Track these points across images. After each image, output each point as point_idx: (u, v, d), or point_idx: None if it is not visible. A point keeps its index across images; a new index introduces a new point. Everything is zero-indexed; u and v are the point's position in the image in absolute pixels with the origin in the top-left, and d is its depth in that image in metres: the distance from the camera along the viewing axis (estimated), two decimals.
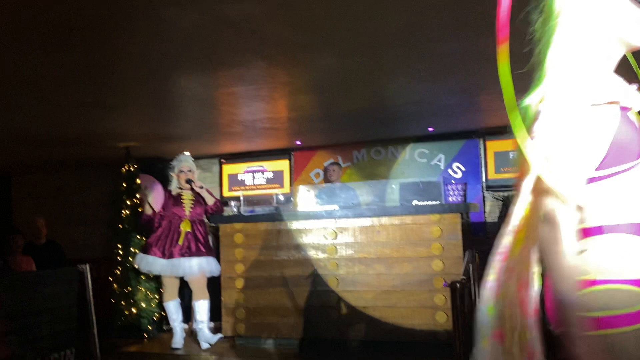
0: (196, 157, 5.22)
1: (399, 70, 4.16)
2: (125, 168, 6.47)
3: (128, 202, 6.30)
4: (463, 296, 2.19)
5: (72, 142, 6.45)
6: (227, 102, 4.90)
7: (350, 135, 7.04)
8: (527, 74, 1.40)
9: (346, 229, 4.58)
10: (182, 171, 5.07)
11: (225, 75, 4.04)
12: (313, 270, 4.62)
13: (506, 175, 6.81)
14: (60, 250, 6.24)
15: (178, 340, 4.97)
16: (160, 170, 7.60)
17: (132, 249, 6.04)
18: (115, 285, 6.09)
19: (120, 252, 6.16)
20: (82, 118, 5.29)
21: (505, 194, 6.84)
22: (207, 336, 4.85)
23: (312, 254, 4.65)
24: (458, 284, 2.13)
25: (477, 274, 3.75)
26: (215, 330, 5.51)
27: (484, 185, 6.95)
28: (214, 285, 5.12)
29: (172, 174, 5.17)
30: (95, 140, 6.38)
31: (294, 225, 4.74)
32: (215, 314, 5.33)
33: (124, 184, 6.40)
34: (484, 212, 6.92)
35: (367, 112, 5.63)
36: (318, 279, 4.61)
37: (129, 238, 6.11)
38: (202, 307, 4.90)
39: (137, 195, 6.37)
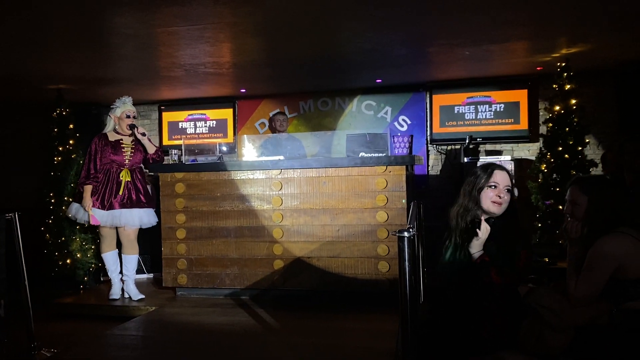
0: (134, 103, 4.91)
1: (351, 14, 4.02)
2: (56, 112, 6.08)
3: (60, 149, 5.96)
4: (411, 246, 2.18)
5: None
6: (167, 43, 4.62)
7: (297, 85, 6.88)
8: None
9: (292, 180, 4.51)
10: (127, 116, 4.75)
11: (165, 12, 3.77)
12: (258, 221, 4.55)
13: (450, 130, 6.90)
14: None
15: (116, 291, 4.83)
16: (95, 116, 7.22)
17: (65, 198, 5.76)
18: (47, 235, 5.82)
19: (53, 200, 5.86)
20: (7, 55, 4.87)
21: (449, 147, 6.96)
22: (132, 290, 4.76)
23: (257, 204, 4.57)
24: (407, 233, 2.11)
25: (422, 225, 3.79)
26: (155, 281, 5.43)
27: (429, 138, 7.03)
28: (155, 236, 4.97)
29: (111, 115, 4.81)
30: (22, 81, 5.94)
31: (238, 175, 4.61)
32: (156, 265, 5.20)
33: (56, 130, 6.04)
34: (427, 165, 7.02)
35: (316, 60, 5.49)
36: (262, 230, 4.55)
37: (62, 186, 5.81)
38: (132, 262, 4.78)
39: (70, 142, 6.03)
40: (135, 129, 4.73)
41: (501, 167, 2.63)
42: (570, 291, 2.45)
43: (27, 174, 7.21)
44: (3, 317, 3.43)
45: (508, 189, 2.56)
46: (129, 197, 4.68)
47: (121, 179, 4.69)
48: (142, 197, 4.74)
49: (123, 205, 4.65)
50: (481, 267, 2.46)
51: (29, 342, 3.51)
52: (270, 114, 6.91)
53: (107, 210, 4.63)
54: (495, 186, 2.56)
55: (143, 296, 4.76)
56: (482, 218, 2.54)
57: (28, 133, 7.41)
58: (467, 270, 2.52)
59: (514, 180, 2.64)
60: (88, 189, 4.67)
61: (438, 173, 7.01)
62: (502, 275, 2.43)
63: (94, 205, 4.64)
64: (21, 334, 3.53)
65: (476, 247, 2.50)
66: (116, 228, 4.77)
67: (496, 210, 2.55)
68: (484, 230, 2.49)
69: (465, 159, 6.27)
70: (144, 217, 4.74)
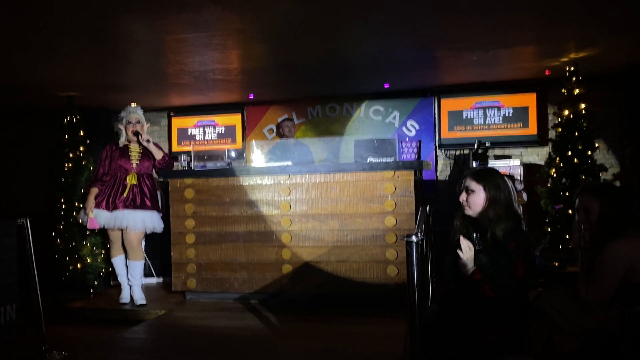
0: (144, 110, 4.98)
1: (357, 19, 4.04)
2: (67, 119, 6.14)
3: (71, 155, 6.01)
4: (419, 250, 2.18)
5: (7, 90, 6.04)
6: (176, 50, 4.66)
7: (305, 91, 6.91)
8: None
9: (300, 185, 4.53)
10: (129, 122, 4.83)
11: (174, 19, 3.81)
12: (266, 226, 4.57)
13: (458, 134, 6.89)
14: None
15: (126, 295, 4.85)
16: (105, 122, 7.29)
17: (76, 204, 5.81)
18: (58, 240, 5.87)
19: (64, 206, 5.91)
20: (17, 63, 4.93)
21: (457, 152, 6.94)
22: (136, 295, 4.77)
23: (265, 210, 4.58)
24: (415, 237, 2.12)
25: (430, 230, 3.79)
26: (164, 285, 5.46)
27: (437, 143, 7.02)
28: (164, 241, 5.00)
29: (120, 126, 4.92)
30: (33, 88, 6.01)
31: (247, 181, 4.64)
32: (165, 269, 5.22)
33: (67, 136, 6.09)
34: (436, 170, 7.01)
35: (323, 65, 5.51)
36: (271, 234, 4.56)
37: (72, 192, 5.86)
38: (136, 268, 4.80)
39: (81, 148, 6.09)
40: (139, 135, 4.79)
41: (468, 172, 2.77)
42: (581, 295, 2.43)
43: (37, 179, 7.28)
44: (14, 321, 3.46)
45: (466, 189, 2.66)
46: (133, 199, 4.72)
47: (127, 182, 4.74)
48: (147, 201, 4.77)
49: (127, 207, 4.69)
50: (474, 284, 2.45)
51: (39, 345, 3.53)
52: (278, 120, 6.93)
53: (111, 211, 4.68)
54: (461, 191, 2.70)
55: (144, 302, 4.75)
56: (461, 237, 2.58)
57: (38, 139, 7.48)
58: (465, 283, 2.52)
59: (487, 182, 2.63)
60: (92, 191, 4.74)
61: (447, 178, 6.99)
62: (496, 289, 2.41)
63: (100, 207, 4.69)
64: (32, 337, 3.56)
65: (467, 265, 2.51)
66: (122, 233, 4.80)
67: (467, 212, 2.67)
68: (465, 249, 2.52)
69: (474, 164, 6.25)
70: (147, 219, 4.75)
